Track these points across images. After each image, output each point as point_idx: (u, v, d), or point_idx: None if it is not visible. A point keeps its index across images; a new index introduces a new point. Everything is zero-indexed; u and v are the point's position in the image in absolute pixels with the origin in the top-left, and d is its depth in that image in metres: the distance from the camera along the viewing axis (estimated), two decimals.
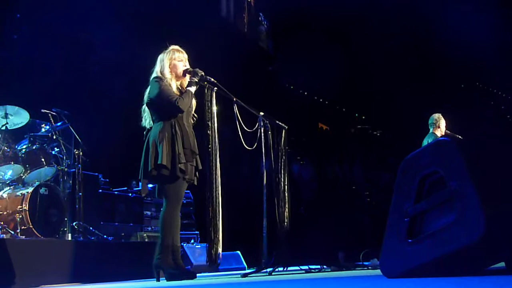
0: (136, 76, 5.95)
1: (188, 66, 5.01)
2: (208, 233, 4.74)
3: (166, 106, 4.79)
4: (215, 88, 4.98)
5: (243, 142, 5.30)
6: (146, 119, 5.01)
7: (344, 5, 11.85)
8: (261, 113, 5.47)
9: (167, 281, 4.64)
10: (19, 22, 8.30)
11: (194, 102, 5.06)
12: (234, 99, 5.25)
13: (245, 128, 5.35)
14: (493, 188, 2.69)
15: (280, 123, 5.66)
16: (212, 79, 4.99)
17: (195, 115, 5.14)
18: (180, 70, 4.97)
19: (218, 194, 4.81)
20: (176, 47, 5.04)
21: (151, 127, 4.92)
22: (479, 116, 14.03)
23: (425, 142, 7.88)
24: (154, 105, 4.88)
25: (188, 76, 4.96)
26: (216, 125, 4.91)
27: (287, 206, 5.51)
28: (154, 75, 4.95)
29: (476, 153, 2.85)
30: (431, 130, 7.95)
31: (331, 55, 12.52)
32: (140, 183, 8.36)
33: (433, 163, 2.86)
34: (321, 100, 15.63)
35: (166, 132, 4.75)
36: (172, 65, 4.95)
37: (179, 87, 4.99)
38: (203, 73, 4.96)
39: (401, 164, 3.12)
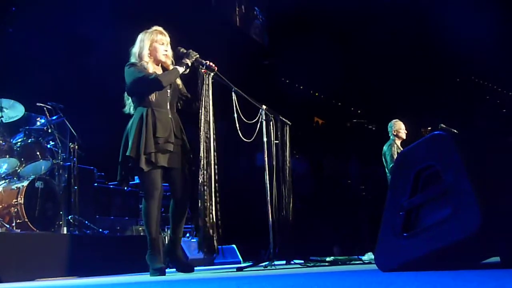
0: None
1: (169, 50, 4.76)
2: (205, 226, 4.50)
3: (143, 86, 4.54)
4: (212, 73, 4.71)
5: (240, 135, 5.13)
6: (129, 106, 4.77)
7: (341, 1, 11.87)
8: (264, 106, 5.38)
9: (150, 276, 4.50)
10: (15, 16, 8.27)
11: (180, 83, 4.80)
12: (234, 88, 5.06)
13: (245, 119, 5.18)
14: (489, 182, 2.70)
15: (283, 118, 5.54)
16: (210, 63, 4.70)
17: (186, 96, 4.86)
18: (160, 54, 4.70)
19: (213, 183, 4.56)
20: (159, 28, 4.76)
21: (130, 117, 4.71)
22: (475, 110, 14.07)
23: (384, 148, 7.81)
24: (132, 92, 4.66)
25: (170, 58, 4.72)
26: (211, 112, 4.62)
27: (291, 200, 5.47)
28: (130, 59, 4.70)
29: (472, 147, 2.86)
30: (391, 136, 7.90)
31: (327, 49, 12.52)
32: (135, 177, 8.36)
33: (428, 157, 2.86)
34: (317, 94, 15.64)
35: (137, 121, 4.53)
36: (153, 47, 4.69)
37: (156, 72, 4.67)
38: (198, 56, 4.71)
39: (397, 158, 3.13)
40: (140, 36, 4.74)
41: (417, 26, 13.27)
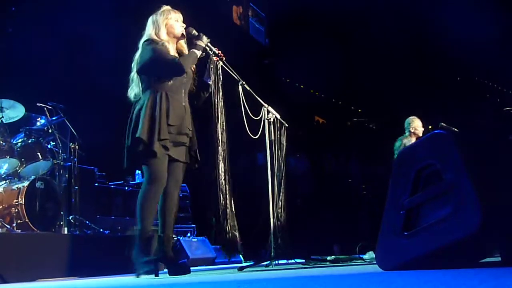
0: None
1: (184, 27, 4.50)
2: (226, 225, 4.41)
3: (162, 68, 4.26)
4: (221, 62, 4.53)
5: (248, 131, 4.97)
6: (134, 90, 4.41)
7: (341, 0, 11.87)
8: (266, 105, 5.28)
9: (136, 277, 4.16)
10: (14, 15, 8.26)
11: (191, 70, 4.50)
12: (241, 82, 4.86)
13: (252, 116, 5.02)
14: (489, 181, 2.70)
15: (281, 120, 5.45)
16: (219, 51, 4.53)
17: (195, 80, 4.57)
18: (178, 31, 4.44)
19: (228, 177, 4.41)
20: (168, 7, 4.51)
21: (137, 101, 4.37)
22: (475, 109, 14.06)
23: (397, 143, 7.81)
24: (147, 70, 4.32)
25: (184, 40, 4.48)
26: (221, 100, 4.42)
27: (284, 199, 5.44)
28: (145, 38, 4.39)
29: (472, 146, 2.86)
30: (406, 133, 7.90)
31: (327, 48, 12.52)
32: (137, 174, 8.34)
33: (429, 156, 2.87)
34: (317, 93, 15.64)
35: (151, 103, 4.19)
36: (169, 25, 4.41)
37: (177, 50, 4.48)
38: (210, 40, 4.51)
39: (397, 157, 3.13)
40: (151, 18, 4.48)
41: (417, 26, 13.26)
